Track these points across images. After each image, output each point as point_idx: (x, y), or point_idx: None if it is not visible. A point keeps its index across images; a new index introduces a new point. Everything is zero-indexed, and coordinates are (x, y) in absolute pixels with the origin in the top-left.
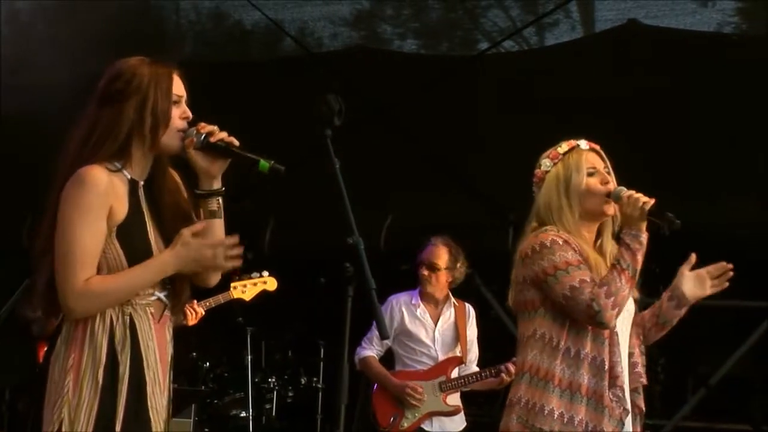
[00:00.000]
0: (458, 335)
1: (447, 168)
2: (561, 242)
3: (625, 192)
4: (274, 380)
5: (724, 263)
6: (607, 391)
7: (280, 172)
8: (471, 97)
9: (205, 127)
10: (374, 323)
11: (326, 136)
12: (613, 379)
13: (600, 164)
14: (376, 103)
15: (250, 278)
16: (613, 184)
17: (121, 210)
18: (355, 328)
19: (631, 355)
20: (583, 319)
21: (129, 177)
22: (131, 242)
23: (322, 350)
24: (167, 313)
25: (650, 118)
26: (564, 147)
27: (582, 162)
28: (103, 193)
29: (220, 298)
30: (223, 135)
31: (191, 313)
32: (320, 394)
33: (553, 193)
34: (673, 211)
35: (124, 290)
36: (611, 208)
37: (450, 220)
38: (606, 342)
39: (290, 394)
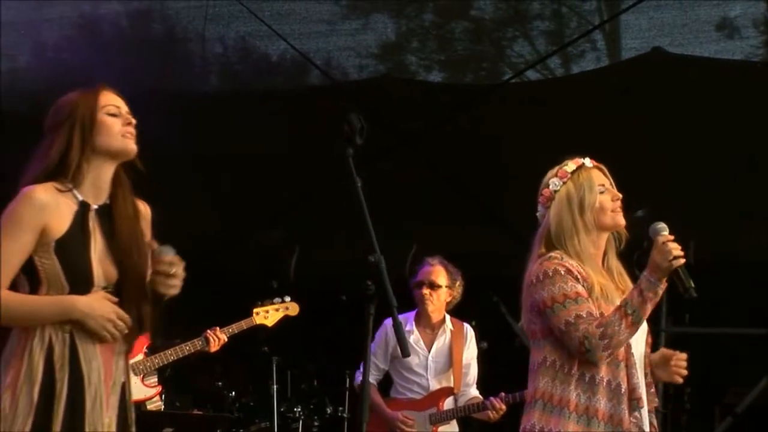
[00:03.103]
0: (452, 361)
1: (471, 196)
2: (563, 272)
3: (664, 235)
4: (299, 409)
5: (678, 354)
6: (627, 414)
7: None
8: (495, 126)
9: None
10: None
11: (348, 155)
12: (635, 401)
13: (606, 181)
14: (402, 132)
15: (273, 304)
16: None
17: (59, 227)
18: None
19: (645, 375)
20: (575, 354)
21: (80, 198)
22: (70, 258)
23: (348, 380)
24: None
25: (676, 145)
26: (571, 165)
27: (594, 180)
28: (38, 208)
29: (243, 324)
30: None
31: (214, 340)
32: (346, 423)
33: (565, 213)
34: (697, 237)
35: (25, 317)
36: (622, 219)
37: (475, 248)
38: (622, 365)
39: (316, 423)
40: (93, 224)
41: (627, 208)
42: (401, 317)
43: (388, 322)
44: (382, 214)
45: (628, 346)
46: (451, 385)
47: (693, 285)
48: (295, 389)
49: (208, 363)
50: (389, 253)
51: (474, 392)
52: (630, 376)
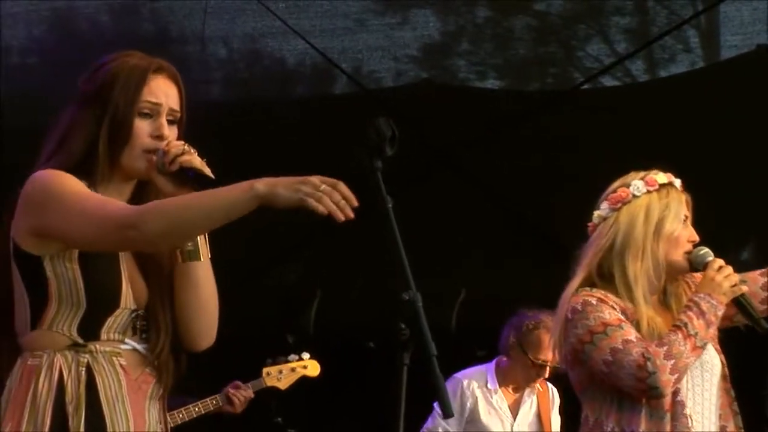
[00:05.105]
0: (542, 430)
1: (531, 228)
2: (594, 301)
3: (716, 262)
4: None
5: None
6: None
7: None
8: (562, 144)
9: (173, 148)
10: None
11: (376, 169)
12: None
13: (689, 215)
14: (445, 149)
15: (287, 362)
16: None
17: None
18: (413, 408)
19: (723, 429)
20: (631, 384)
21: None
22: (95, 271)
23: None
24: (149, 371)
25: None
26: (662, 177)
27: (682, 206)
28: (74, 178)
29: (250, 388)
30: (189, 158)
31: (239, 400)
32: None
33: (639, 224)
34: None
35: (200, 203)
36: (687, 264)
37: (535, 290)
38: (667, 417)
39: None
40: None
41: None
42: (477, 369)
43: (462, 375)
44: (420, 246)
45: (676, 392)
46: None
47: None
48: None
49: None
50: (430, 296)
51: None
52: (673, 428)
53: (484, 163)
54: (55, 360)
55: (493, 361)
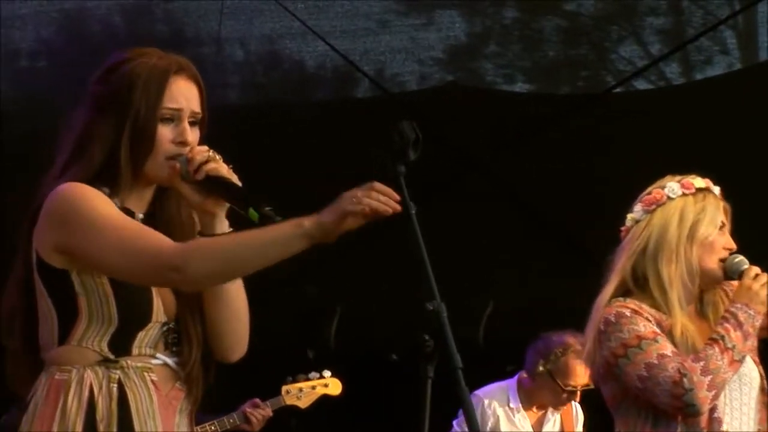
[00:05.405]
0: None
1: (562, 237)
2: (628, 313)
3: (752, 270)
4: None
5: None
6: None
7: (273, 223)
8: (593, 149)
9: (197, 155)
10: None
11: (399, 173)
12: None
13: (727, 222)
14: (472, 155)
15: (308, 380)
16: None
17: None
18: (438, 423)
19: None
20: (667, 401)
21: (121, 206)
22: (126, 283)
23: None
24: (179, 385)
25: None
26: (699, 181)
27: (719, 212)
28: (103, 195)
29: (268, 406)
30: (215, 166)
31: (257, 419)
32: None
33: (673, 226)
34: None
35: (249, 244)
36: (722, 274)
37: (567, 302)
38: None
39: None
40: None
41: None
42: (497, 386)
43: (483, 393)
44: (445, 255)
45: (713, 409)
46: None
47: None
48: None
49: None
50: (459, 311)
51: None
52: None
53: (511, 169)
54: (85, 376)
55: (515, 378)
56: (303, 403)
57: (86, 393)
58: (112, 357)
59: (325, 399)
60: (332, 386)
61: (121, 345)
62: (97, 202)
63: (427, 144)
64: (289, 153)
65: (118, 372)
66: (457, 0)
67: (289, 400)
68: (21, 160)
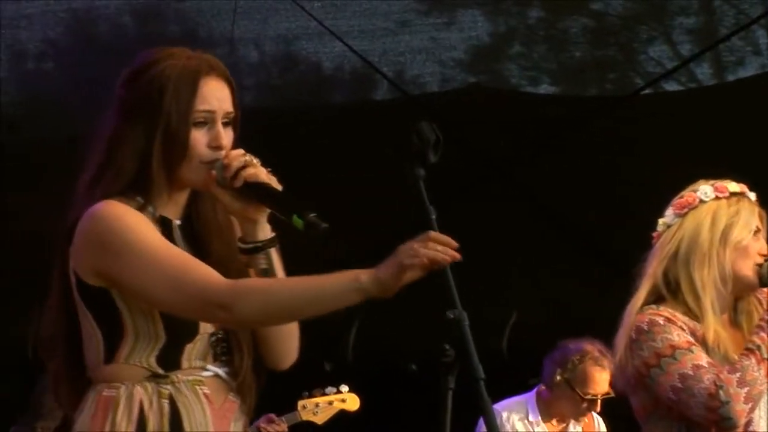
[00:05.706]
0: None
1: (588, 243)
2: (661, 321)
3: None
4: None
5: None
6: None
7: (319, 230)
8: (620, 152)
9: (234, 161)
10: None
11: (418, 177)
12: None
13: (762, 228)
14: (495, 159)
15: (325, 395)
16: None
17: None
18: None
19: None
20: (702, 414)
21: (157, 215)
22: None
23: None
24: (232, 397)
25: None
26: (734, 186)
27: (753, 217)
28: (143, 218)
29: (284, 421)
30: (254, 172)
31: None
32: None
33: (705, 230)
34: None
35: (303, 295)
36: (757, 279)
37: (593, 310)
38: None
39: None
40: (182, 247)
41: None
42: (516, 400)
43: (501, 407)
44: (466, 261)
45: (749, 422)
46: None
47: None
48: None
49: None
50: (480, 321)
51: None
52: None
53: (535, 174)
54: (135, 392)
55: (533, 391)
56: (319, 419)
57: (136, 410)
58: (161, 372)
59: (342, 414)
60: (350, 402)
61: (170, 359)
62: (139, 228)
63: (447, 146)
64: (305, 157)
65: (169, 387)
66: None
67: (306, 416)
68: (28, 162)
